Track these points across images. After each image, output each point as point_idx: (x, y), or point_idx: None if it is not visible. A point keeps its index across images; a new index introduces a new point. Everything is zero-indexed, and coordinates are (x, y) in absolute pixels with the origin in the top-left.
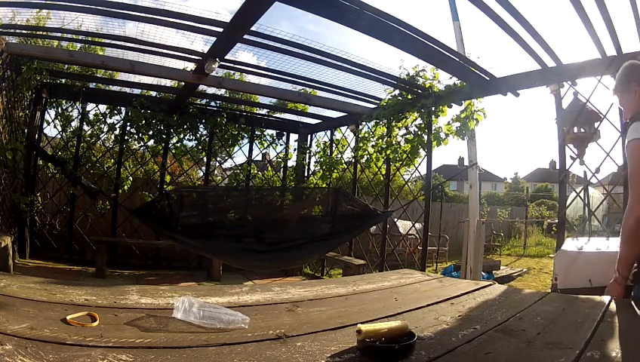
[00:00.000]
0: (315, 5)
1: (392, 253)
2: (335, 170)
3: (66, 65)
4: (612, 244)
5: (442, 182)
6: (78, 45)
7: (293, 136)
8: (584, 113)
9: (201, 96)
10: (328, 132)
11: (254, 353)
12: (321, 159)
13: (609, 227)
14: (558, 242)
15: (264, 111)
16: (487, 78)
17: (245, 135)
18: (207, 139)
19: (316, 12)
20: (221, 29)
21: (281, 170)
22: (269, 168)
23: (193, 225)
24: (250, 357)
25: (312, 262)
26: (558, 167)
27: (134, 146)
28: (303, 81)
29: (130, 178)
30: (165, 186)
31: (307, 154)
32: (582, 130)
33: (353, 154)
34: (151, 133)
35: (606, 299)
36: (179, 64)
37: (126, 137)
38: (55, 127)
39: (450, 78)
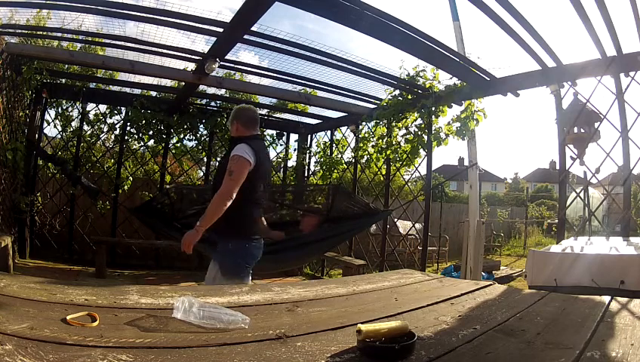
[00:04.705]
0: (315, 5)
1: (392, 253)
2: (335, 170)
3: (66, 65)
4: (587, 246)
5: (442, 182)
6: (78, 45)
7: (294, 137)
8: (584, 113)
9: (201, 96)
10: (328, 132)
11: (254, 353)
12: (322, 159)
13: (609, 227)
14: (558, 242)
15: (264, 112)
16: (488, 79)
17: None
18: (207, 139)
19: (317, 12)
20: (221, 29)
21: (281, 170)
22: None
23: (193, 224)
24: (250, 357)
25: (312, 262)
26: (558, 167)
27: (134, 146)
28: (303, 81)
29: (130, 178)
30: (165, 186)
31: (307, 155)
32: (582, 130)
33: (353, 155)
34: (151, 133)
35: (606, 299)
36: (179, 64)
37: (126, 137)
38: (55, 127)
39: (451, 78)
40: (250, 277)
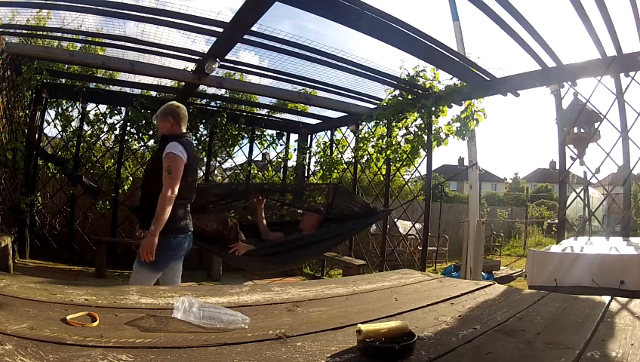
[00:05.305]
0: (315, 5)
1: (392, 253)
2: (335, 170)
3: (66, 65)
4: (587, 246)
5: (442, 182)
6: (79, 45)
7: (294, 136)
8: (584, 113)
9: (201, 96)
10: (328, 132)
11: (254, 353)
12: (322, 159)
13: (609, 227)
14: (558, 242)
15: (264, 112)
16: (488, 79)
17: (245, 135)
18: (207, 139)
19: (317, 12)
20: (221, 29)
21: (281, 170)
22: (269, 168)
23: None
24: (250, 357)
25: (312, 261)
26: (558, 167)
27: (134, 146)
28: (303, 81)
29: (130, 178)
30: None
31: (307, 155)
32: (582, 130)
33: (353, 155)
34: (151, 133)
35: (606, 299)
36: (179, 64)
37: (126, 137)
38: (55, 127)
39: (451, 78)
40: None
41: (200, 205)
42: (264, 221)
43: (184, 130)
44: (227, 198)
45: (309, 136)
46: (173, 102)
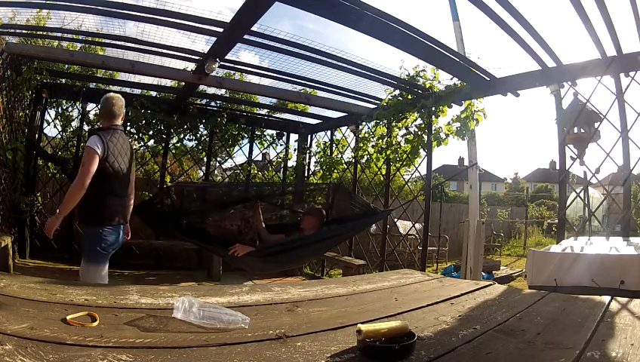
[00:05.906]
0: (315, 5)
1: (392, 253)
2: (335, 170)
3: (66, 65)
4: (587, 246)
5: (442, 182)
6: (78, 45)
7: (294, 136)
8: (584, 113)
9: (201, 96)
10: (328, 132)
11: (254, 353)
12: (322, 159)
13: (609, 227)
14: (558, 242)
15: (264, 112)
16: (488, 79)
17: (245, 135)
18: (207, 139)
19: (317, 12)
20: (221, 29)
21: (281, 170)
22: (269, 168)
23: (194, 223)
24: (250, 357)
25: (312, 261)
26: (558, 167)
27: (134, 146)
28: (303, 81)
29: None
30: (165, 184)
31: (307, 155)
32: (582, 130)
33: (353, 155)
34: (151, 133)
35: (606, 299)
36: (179, 64)
37: None
38: (55, 127)
39: (451, 78)
40: (108, 264)
41: (210, 205)
42: (263, 224)
43: (116, 122)
44: (227, 200)
45: (309, 136)
46: (109, 93)
